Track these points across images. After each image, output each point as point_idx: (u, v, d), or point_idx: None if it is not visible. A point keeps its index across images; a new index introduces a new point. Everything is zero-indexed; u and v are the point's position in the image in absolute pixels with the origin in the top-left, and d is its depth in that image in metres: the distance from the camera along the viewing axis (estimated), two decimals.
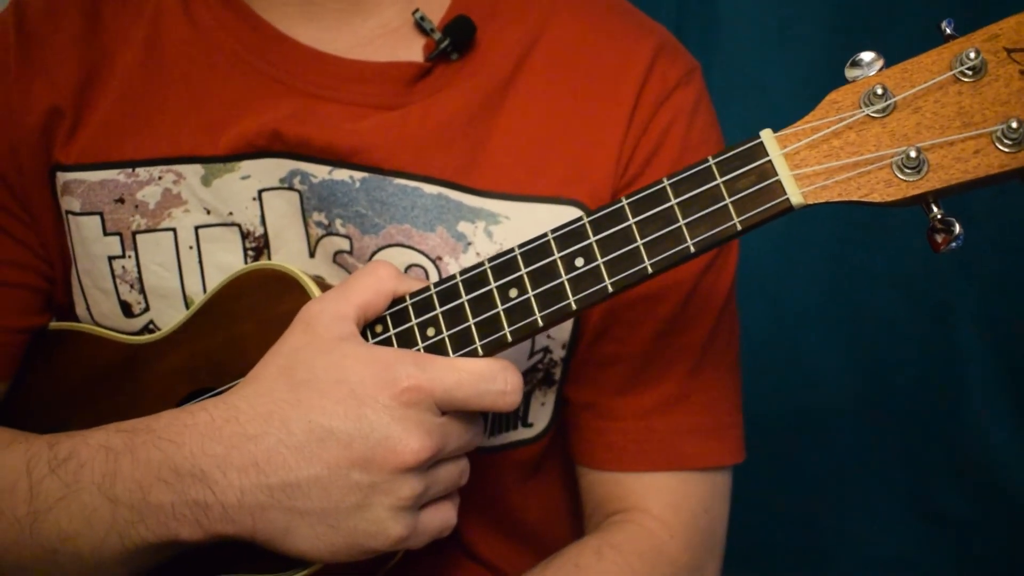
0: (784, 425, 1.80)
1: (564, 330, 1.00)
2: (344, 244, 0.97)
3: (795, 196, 0.72)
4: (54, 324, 1.05)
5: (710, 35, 1.75)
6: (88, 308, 1.02)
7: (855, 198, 0.70)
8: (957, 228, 0.69)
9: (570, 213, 0.97)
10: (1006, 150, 0.66)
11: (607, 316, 1.00)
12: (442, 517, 0.82)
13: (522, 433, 1.04)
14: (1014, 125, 0.65)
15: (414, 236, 0.96)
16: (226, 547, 0.79)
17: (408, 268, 0.96)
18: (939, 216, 0.69)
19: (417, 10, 0.99)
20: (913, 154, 0.68)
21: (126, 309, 1.00)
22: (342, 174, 0.96)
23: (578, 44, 1.02)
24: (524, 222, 0.97)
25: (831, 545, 1.86)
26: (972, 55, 0.67)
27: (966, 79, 0.68)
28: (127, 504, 0.77)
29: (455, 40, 0.98)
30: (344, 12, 0.99)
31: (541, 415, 1.04)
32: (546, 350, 1.00)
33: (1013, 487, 1.70)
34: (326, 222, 0.97)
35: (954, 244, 0.69)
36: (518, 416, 1.04)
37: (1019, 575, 1.73)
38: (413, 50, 1.00)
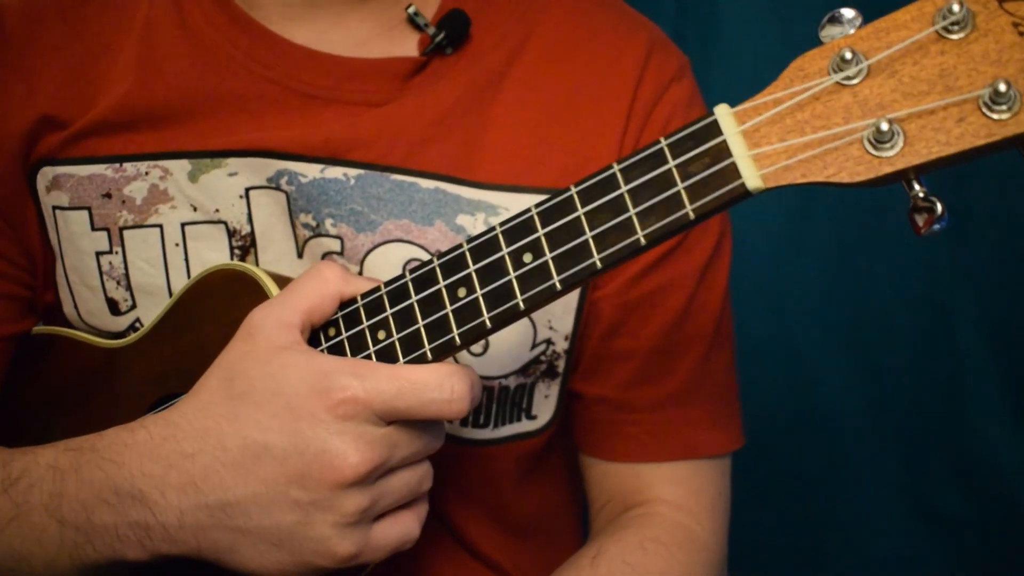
0: (784, 425, 1.75)
1: (566, 321, 0.97)
2: (334, 245, 0.94)
3: (752, 179, 0.61)
4: (38, 328, 1.02)
5: (710, 35, 1.70)
6: (75, 306, 0.99)
7: (820, 179, 0.58)
8: (939, 207, 0.56)
9: None
10: (994, 116, 0.53)
11: (619, 310, 0.98)
12: (400, 529, 0.77)
13: (525, 425, 1.01)
14: (1002, 88, 0.52)
15: (413, 231, 0.94)
16: (193, 561, 0.76)
17: (408, 263, 0.94)
18: (921, 195, 0.57)
19: (410, 5, 0.96)
20: (884, 126, 0.55)
21: (112, 306, 0.97)
22: (335, 172, 0.93)
23: (571, 37, 1.00)
24: None
25: (831, 545, 1.80)
26: (956, 8, 0.55)
27: (950, 36, 0.56)
28: (73, 525, 0.75)
29: (449, 34, 0.96)
30: (339, 12, 0.97)
31: (545, 408, 1.01)
32: (548, 342, 0.97)
33: (1013, 487, 1.65)
34: (314, 223, 0.94)
35: (937, 226, 0.57)
36: (521, 408, 1.00)
37: (1019, 575, 1.66)
38: (407, 46, 0.97)
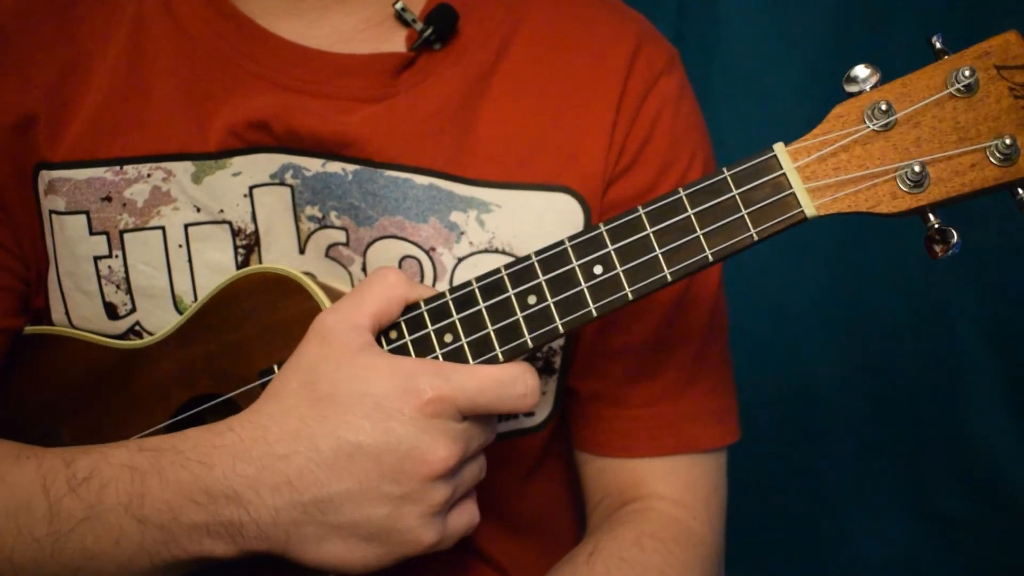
0: (784, 425, 1.83)
1: None
2: (339, 236, 0.99)
3: (809, 208, 0.78)
4: (29, 328, 1.04)
5: (710, 36, 1.78)
6: (67, 312, 1.02)
7: (863, 209, 0.76)
8: (955, 237, 0.75)
9: (562, 200, 1.00)
10: (1000, 164, 0.73)
11: None
12: (467, 516, 0.85)
13: (524, 422, 1.06)
14: (1007, 141, 0.72)
15: (407, 228, 0.98)
16: (255, 559, 0.81)
17: (402, 259, 0.99)
18: (936, 226, 0.75)
19: (398, 1, 1.01)
20: (918, 168, 0.74)
21: (111, 311, 1.01)
22: (335, 166, 0.98)
23: (559, 31, 1.05)
24: (516, 210, 0.99)
25: (831, 545, 1.89)
26: (967, 73, 0.74)
27: (961, 96, 0.75)
28: (157, 525, 0.79)
29: (438, 29, 1.00)
30: (326, 7, 1.00)
31: (543, 404, 1.06)
32: None
33: (1013, 487, 1.74)
34: (320, 215, 0.98)
35: (951, 252, 0.76)
36: None
37: (1019, 575, 1.76)
38: (395, 42, 1.01)
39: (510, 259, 0.90)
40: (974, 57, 0.75)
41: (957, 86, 0.75)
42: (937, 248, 0.76)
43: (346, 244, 0.99)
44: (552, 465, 1.15)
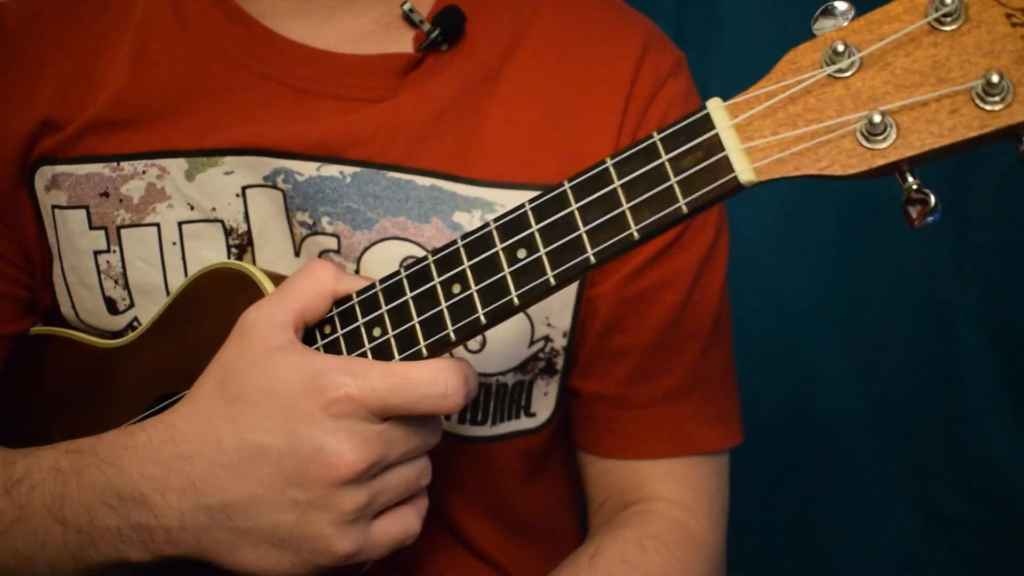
0: (784, 425, 1.76)
1: (564, 318, 0.97)
2: (331, 243, 0.94)
3: (745, 172, 0.61)
4: (35, 329, 1.02)
5: (710, 35, 1.70)
6: (73, 306, 0.99)
7: (813, 171, 0.58)
8: (933, 199, 0.56)
9: None
10: (987, 108, 0.53)
11: (616, 307, 0.98)
12: (400, 525, 0.77)
13: (525, 423, 1.01)
14: (995, 79, 0.52)
15: (410, 228, 0.94)
16: (193, 562, 0.76)
17: (404, 260, 0.93)
18: (914, 187, 0.57)
19: (406, 2, 0.96)
20: (877, 119, 0.56)
21: (111, 305, 0.97)
22: (332, 170, 0.93)
23: (566, 34, 1.00)
24: None
25: (831, 545, 1.81)
26: None
27: (943, 27, 0.56)
28: (75, 527, 0.76)
29: (445, 30, 0.95)
30: (334, 7, 0.96)
31: (544, 405, 1.01)
32: (547, 339, 0.97)
33: (1013, 487, 1.66)
34: (311, 221, 0.94)
35: (931, 218, 0.57)
36: (520, 405, 1.00)
37: (1019, 575, 1.68)
38: (403, 43, 0.97)
39: None
40: None
41: (937, 15, 0.56)
42: (913, 211, 0.57)
43: (337, 251, 0.94)
44: (553, 466, 1.10)
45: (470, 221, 0.94)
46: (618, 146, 0.96)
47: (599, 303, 0.98)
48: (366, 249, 0.94)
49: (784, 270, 1.71)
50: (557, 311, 0.96)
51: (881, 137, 0.56)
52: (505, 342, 0.95)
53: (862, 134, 0.56)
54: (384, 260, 0.94)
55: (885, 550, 1.76)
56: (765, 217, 1.66)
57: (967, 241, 1.57)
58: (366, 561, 0.76)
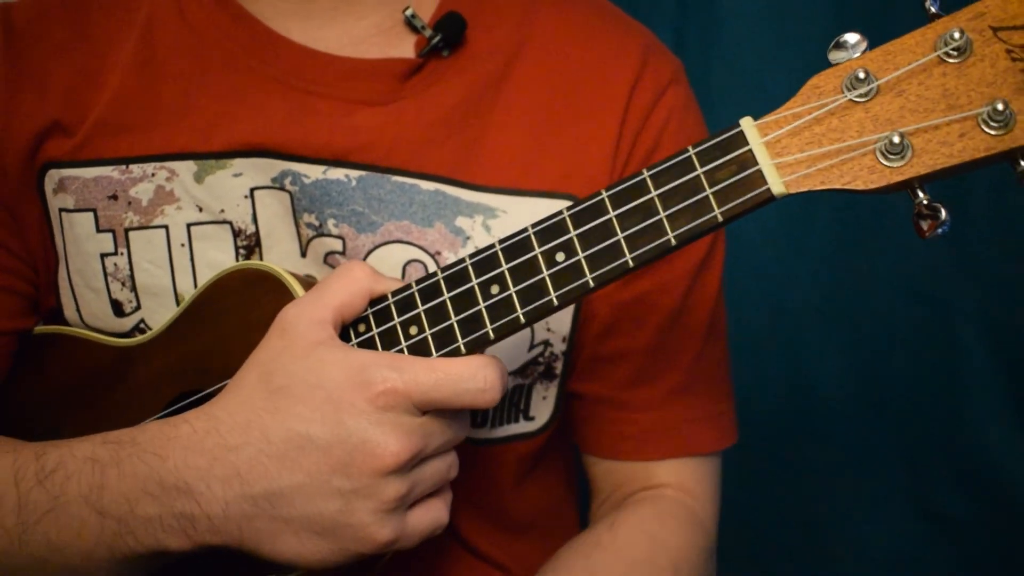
0: (784, 425, 1.77)
1: (564, 323, 1.00)
2: (336, 245, 0.96)
3: (776, 185, 0.68)
4: (40, 328, 1.03)
5: (710, 35, 1.72)
6: (78, 309, 1.00)
7: (838, 186, 0.66)
8: (943, 214, 0.64)
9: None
10: (992, 132, 0.62)
11: (614, 311, 1.00)
12: (432, 516, 0.80)
13: (523, 426, 1.04)
14: (999, 107, 0.60)
15: (413, 232, 0.96)
16: (220, 553, 0.78)
17: (408, 264, 0.96)
18: (925, 202, 0.65)
19: (408, 7, 0.98)
20: (896, 139, 0.64)
21: (117, 308, 0.99)
22: (337, 173, 0.95)
23: (567, 42, 1.02)
24: (522, 216, 0.96)
25: (831, 545, 1.83)
26: (956, 35, 0.63)
27: (951, 60, 0.64)
28: (114, 517, 0.76)
29: (446, 36, 0.97)
30: (337, 11, 0.98)
31: (543, 409, 1.03)
32: (546, 343, 1.00)
33: (1013, 487, 1.68)
34: (317, 223, 0.96)
35: (940, 230, 0.65)
36: (519, 409, 1.03)
37: (1019, 575, 1.69)
38: (404, 48, 0.99)
39: None
40: (967, 18, 0.64)
41: (946, 49, 0.64)
42: (924, 225, 0.65)
43: (342, 253, 0.97)
44: (550, 465, 1.13)
45: (472, 226, 0.96)
46: (618, 154, 0.99)
47: (597, 307, 1.01)
48: (370, 251, 0.96)
49: (783, 269, 1.73)
50: (557, 316, 0.99)
51: (899, 156, 0.63)
52: (505, 347, 0.96)
53: (882, 153, 0.64)
54: (388, 263, 0.96)
55: (885, 549, 1.78)
56: (765, 217, 1.60)
57: (967, 241, 1.58)
58: (390, 552, 0.79)
